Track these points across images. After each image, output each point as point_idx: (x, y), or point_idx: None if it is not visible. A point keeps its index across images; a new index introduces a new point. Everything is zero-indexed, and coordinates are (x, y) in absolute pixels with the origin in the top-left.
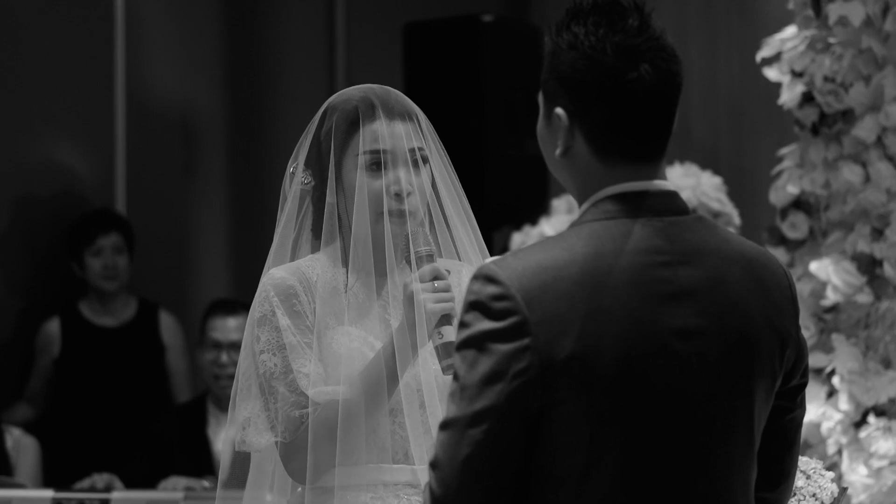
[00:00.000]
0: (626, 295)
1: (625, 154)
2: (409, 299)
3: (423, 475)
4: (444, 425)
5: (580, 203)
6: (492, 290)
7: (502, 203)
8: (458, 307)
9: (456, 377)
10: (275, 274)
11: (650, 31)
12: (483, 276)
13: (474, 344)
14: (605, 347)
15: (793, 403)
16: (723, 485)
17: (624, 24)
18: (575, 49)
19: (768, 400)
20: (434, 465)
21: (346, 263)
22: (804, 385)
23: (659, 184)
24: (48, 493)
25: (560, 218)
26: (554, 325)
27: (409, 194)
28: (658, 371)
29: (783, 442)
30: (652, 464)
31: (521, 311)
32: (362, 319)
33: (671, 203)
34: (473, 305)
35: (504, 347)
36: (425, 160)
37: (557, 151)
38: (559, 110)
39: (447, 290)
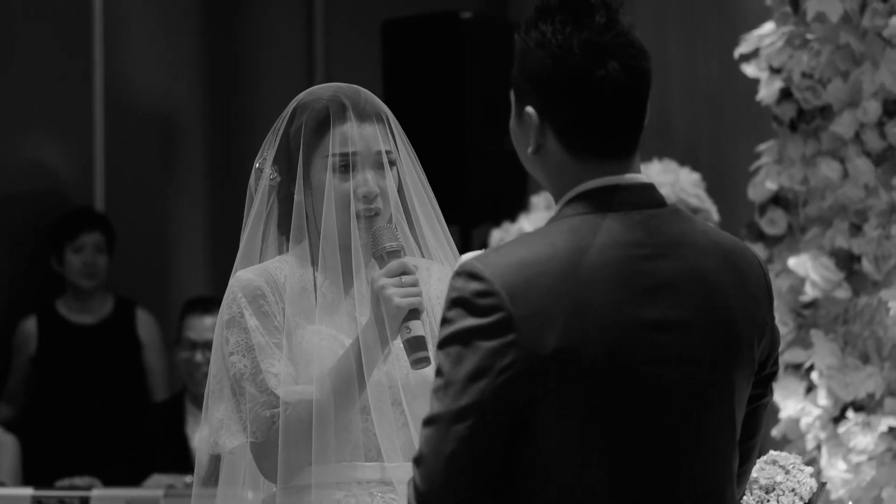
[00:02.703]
0: (608, 289)
1: (596, 150)
2: (376, 295)
3: (395, 473)
4: (429, 421)
5: (556, 199)
6: (475, 286)
7: (482, 200)
8: (425, 302)
9: (439, 373)
10: (242, 276)
11: (618, 28)
12: (466, 273)
13: (458, 340)
14: (590, 341)
15: (765, 390)
16: (710, 475)
17: (591, 21)
18: (543, 48)
19: (747, 389)
20: (418, 461)
21: (314, 263)
22: (775, 373)
23: (634, 177)
24: (28, 492)
25: (539, 214)
26: (538, 320)
27: (376, 196)
28: (642, 363)
29: (750, 427)
30: (638, 456)
31: (505, 307)
32: (332, 317)
33: (648, 196)
34: (456, 302)
35: (489, 344)
36: (392, 163)
37: (529, 149)
38: (529, 109)
39: (414, 284)
